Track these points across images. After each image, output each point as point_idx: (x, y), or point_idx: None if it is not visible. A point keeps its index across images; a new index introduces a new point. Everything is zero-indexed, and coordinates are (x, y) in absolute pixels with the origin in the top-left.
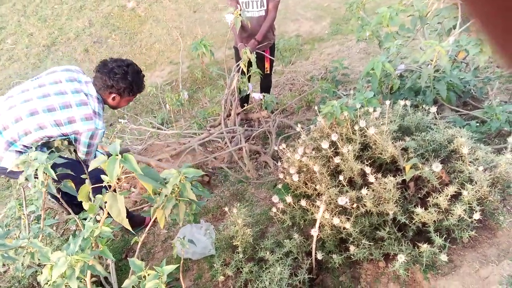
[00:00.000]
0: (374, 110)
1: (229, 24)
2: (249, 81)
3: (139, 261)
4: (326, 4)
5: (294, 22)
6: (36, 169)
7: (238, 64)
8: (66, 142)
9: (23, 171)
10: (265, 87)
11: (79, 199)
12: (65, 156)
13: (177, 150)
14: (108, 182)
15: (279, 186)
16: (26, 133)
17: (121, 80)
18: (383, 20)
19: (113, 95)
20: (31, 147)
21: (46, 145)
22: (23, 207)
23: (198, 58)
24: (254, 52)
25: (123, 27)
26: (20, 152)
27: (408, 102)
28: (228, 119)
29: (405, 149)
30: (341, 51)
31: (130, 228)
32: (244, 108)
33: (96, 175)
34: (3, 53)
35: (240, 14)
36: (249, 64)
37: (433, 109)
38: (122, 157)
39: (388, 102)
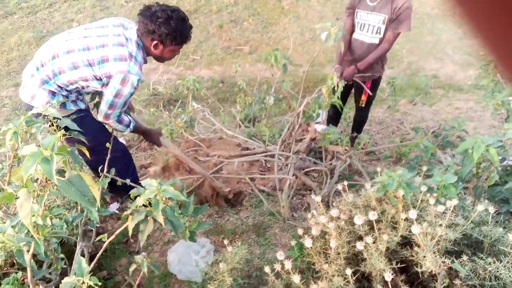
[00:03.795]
0: (443, 204)
1: (323, 41)
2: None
3: (85, 264)
4: (483, 53)
5: (437, 60)
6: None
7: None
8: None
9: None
10: (358, 121)
11: (13, 180)
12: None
13: (237, 153)
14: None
15: (294, 242)
16: (60, 72)
17: (163, 24)
18: None
19: (155, 41)
20: (65, 89)
21: (82, 93)
22: None
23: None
24: (352, 81)
25: (263, 15)
26: (53, 93)
27: (492, 208)
28: (297, 143)
29: (455, 270)
30: (473, 109)
31: None
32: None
33: (102, 141)
34: None
35: (340, 35)
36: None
37: None
38: (50, 155)
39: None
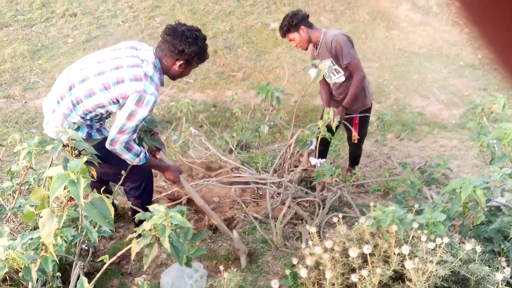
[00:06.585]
0: (433, 240)
1: (311, 78)
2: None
3: (87, 284)
4: (467, 94)
5: (423, 99)
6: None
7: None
8: None
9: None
10: (352, 156)
11: (32, 199)
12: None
13: (230, 181)
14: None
15: (287, 271)
16: (77, 102)
17: (192, 44)
18: (504, 137)
19: (180, 62)
20: (86, 119)
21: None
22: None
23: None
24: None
25: (257, 43)
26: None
27: (479, 248)
28: (289, 173)
29: None
30: (457, 148)
31: None
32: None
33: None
34: (147, 28)
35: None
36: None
37: (507, 271)
38: (77, 178)
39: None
